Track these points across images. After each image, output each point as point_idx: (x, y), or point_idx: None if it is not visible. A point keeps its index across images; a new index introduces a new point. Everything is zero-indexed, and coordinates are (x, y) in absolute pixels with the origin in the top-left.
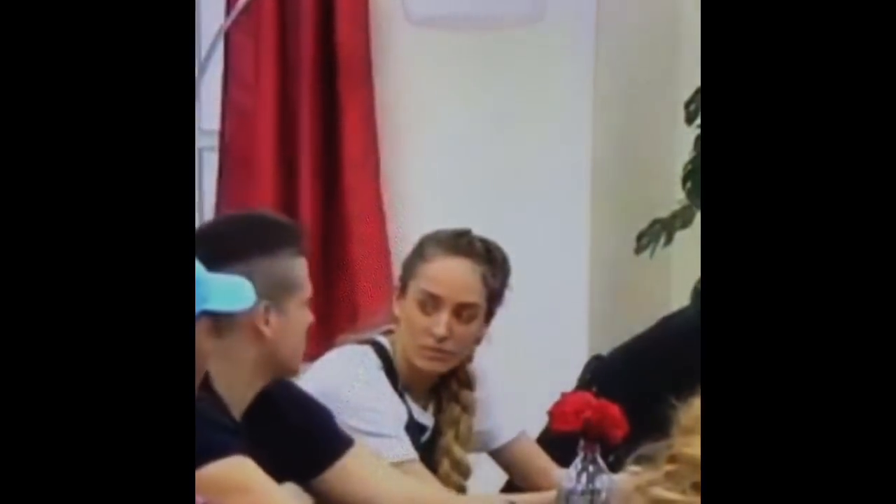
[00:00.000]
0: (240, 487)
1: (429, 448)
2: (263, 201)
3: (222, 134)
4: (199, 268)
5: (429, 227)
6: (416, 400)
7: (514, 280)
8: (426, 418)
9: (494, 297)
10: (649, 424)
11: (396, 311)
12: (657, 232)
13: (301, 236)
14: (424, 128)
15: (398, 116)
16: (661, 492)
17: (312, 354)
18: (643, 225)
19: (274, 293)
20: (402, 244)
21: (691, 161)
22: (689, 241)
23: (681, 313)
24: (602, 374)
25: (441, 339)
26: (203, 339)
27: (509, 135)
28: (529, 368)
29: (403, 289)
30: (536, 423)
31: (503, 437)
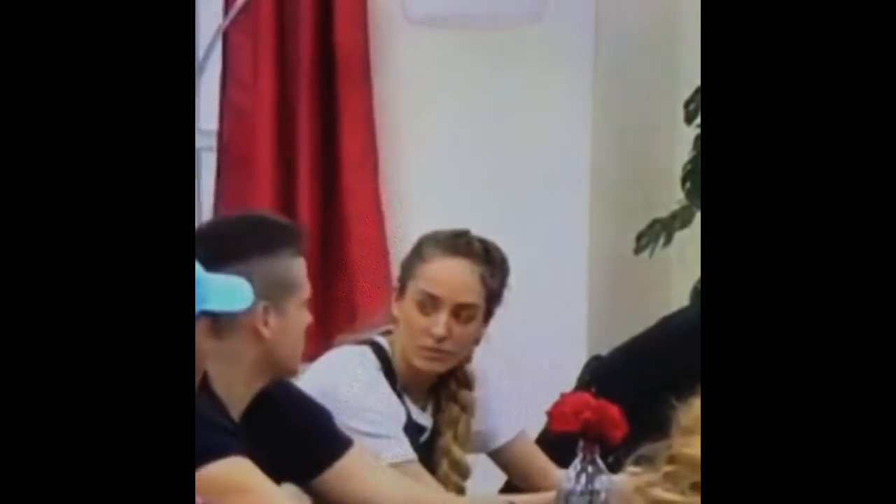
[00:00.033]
0: (239, 488)
1: (427, 448)
2: (262, 201)
3: (220, 134)
4: (198, 268)
5: (427, 227)
6: (415, 400)
7: (513, 280)
8: (425, 419)
9: (493, 298)
10: (649, 425)
11: (395, 311)
12: (657, 232)
13: (300, 236)
14: (423, 128)
15: (397, 116)
16: (660, 492)
17: (311, 355)
18: (642, 225)
19: (273, 293)
20: (400, 244)
21: (691, 161)
22: (688, 241)
23: (680, 313)
24: (601, 375)
25: (440, 340)
26: (202, 340)
27: (508, 135)
28: (528, 368)
29: (402, 289)
30: (535, 424)
31: (502, 437)
